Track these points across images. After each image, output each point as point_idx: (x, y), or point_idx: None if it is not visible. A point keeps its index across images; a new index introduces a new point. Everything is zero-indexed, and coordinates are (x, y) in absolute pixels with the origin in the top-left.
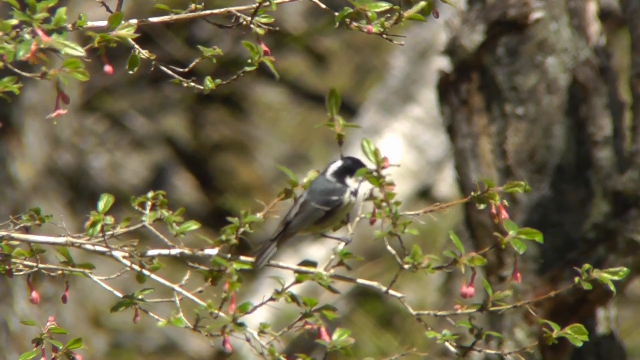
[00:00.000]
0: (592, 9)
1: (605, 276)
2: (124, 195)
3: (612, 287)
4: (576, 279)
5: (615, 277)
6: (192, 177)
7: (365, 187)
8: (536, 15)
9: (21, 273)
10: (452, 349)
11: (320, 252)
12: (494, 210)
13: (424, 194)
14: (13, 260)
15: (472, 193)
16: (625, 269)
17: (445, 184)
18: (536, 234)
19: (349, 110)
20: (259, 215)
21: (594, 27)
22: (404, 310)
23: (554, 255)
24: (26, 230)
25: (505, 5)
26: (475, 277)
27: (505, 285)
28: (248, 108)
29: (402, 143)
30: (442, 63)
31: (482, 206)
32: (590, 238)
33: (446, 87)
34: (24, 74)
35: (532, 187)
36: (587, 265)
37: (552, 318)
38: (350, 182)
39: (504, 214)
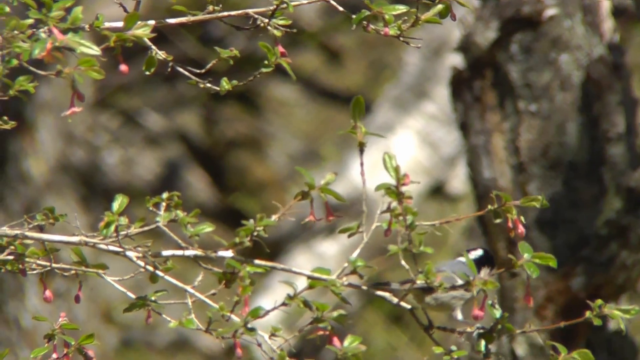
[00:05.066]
0: (605, 5)
1: (617, 313)
2: (137, 191)
3: (622, 326)
4: (587, 313)
5: (627, 316)
6: (206, 174)
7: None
8: (550, 12)
9: (35, 272)
10: None
11: (332, 247)
12: (510, 225)
13: (437, 190)
14: (27, 259)
15: (489, 206)
16: (637, 308)
17: (459, 181)
18: (550, 259)
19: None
20: (274, 217)
21: (608, 24)
22: (414, 305)
23: (567, 251)
24: (40, 229)
25: (519, 2)
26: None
27: (516, 281)
28: (262, 105)
29: (416, 140)
30: (456, 60)
31: (498, 220)
32: (603, 234)
33: (459, 84)
34: (39, 72)
35: (545, 184)
36: (599, 301)
37: (564, 314)
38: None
39: (521, 229)
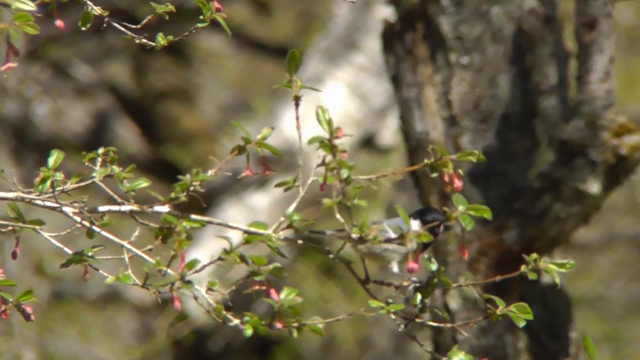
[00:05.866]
0: None
1: (552, 267)
2: (68, 143)
3: (558, 280)
4: (523, 267)
5: (562, 270)
6: (135, 125)
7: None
8: None
9: None
10: (393, 317)
11: (263, 200)
12: (446, 179)
13: (368, 142)
14: None
15: (425, 160)
16: (572, 262)
17: (389, 132)
18: (485, 211)
19: None
20: (210, 172)
21: None
22: (346, 257)
23: (500, 204)
24: None
25: None
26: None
27: (449, 234)
28: (191, 55)
29: (346, 91)
30: (387, 12)
31: (434, 175)
32: (535, 187)
33: (391, 37)
34: None
35: (477, 137)
36: (534, 255)
37: (498, 267)
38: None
39: (457, 183)
